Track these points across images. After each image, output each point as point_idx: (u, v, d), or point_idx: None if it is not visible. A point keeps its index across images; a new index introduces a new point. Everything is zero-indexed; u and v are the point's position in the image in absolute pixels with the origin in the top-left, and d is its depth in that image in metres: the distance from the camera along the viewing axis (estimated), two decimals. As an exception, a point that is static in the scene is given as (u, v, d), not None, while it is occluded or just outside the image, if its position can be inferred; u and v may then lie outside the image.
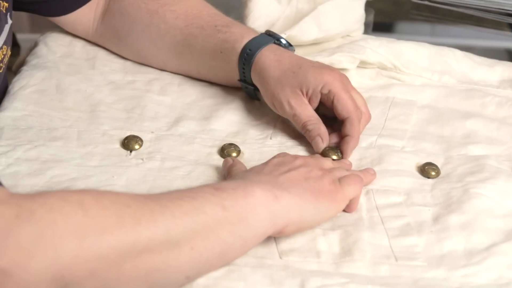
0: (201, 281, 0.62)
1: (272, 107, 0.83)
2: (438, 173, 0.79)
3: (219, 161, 0.79)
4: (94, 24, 0.94)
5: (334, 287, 0.63)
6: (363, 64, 0.94)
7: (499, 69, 0.96)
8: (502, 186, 0.76)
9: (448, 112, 0.88)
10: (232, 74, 0.86)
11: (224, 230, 0.61)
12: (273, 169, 0.70)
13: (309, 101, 0.81)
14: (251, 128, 0.84)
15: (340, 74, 0.82)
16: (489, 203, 0.74)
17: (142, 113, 0.85)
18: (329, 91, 0.80)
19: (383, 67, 0.94)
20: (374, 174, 0.77)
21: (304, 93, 0.81)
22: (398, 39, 1.02)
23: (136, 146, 0.79)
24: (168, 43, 0.89)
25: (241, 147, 0.80)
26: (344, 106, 0.80)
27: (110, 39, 0.94)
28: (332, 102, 0.80)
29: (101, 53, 0.95)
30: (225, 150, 0.79)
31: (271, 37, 0.86)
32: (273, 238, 0.68)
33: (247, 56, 0.84)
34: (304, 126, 0.80)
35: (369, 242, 0.69)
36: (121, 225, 0.56)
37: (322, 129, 0.80)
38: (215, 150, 0.80)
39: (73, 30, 0.96)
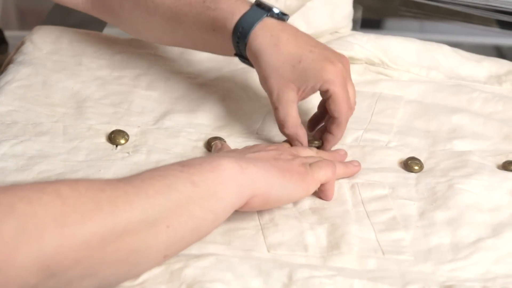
0: (189, 271, 0.63)
1: (263, 88, 0.82)
2: (421, 167, 0.79)
3: (204, 154, 0.80)
4: None
5: (322, 278, 0.63)
6: (351, 60, 0.94)
7: (487, 65, 0.98)
8: (487, 181, 0.77)
9: (435, 107, 0.90)
10: (229, 49, 0.84)
11: (195, 205, 0.62)
12: (243, 150, 0.73)
13: (302, 95, 0.80)
14: (237, 122, 0.85)
15: (341, 68, 0.79)
16: (474, 198, 0.75)
17: (129, 108, 0.86)
18: (327, 90, 0.79)
19: (371, 63, 0.96)
20: (358, 165, 0.78)
21: (300, 90, 0.80)
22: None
23: (122, 141, 0.80)
24: (160, 20, 0.87)
25: (227, 140, 0.81)
26: (338, 107, 0.79)
27: (104, 12, 0.93)
28: (328, 99, 0.79)
29: (88, 49, 0.96)
30: (211, 143, 0.80)
31: (262, 9, 0.81)
32: (260, 231, 0.69)
33: (240, 34, 0.81)
34: (282, 125, 0.80)
35: (357, 236, 0.69)
36: (99, 210, 0.58)
37: (300, 132, 0.80)
38: (201, 143, 0.81)
39: (62, 1, 0.93)
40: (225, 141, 0.80)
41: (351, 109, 0.80)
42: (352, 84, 0.82)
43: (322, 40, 1.00)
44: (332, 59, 0.80)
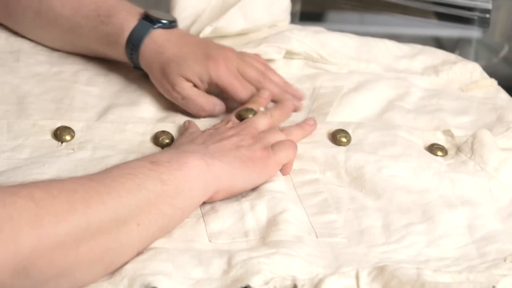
0: (129, 266, 0.66)
1: (165, 95, 0.90)
2: (349, 140, 0.85)
3: (151, 149, 0.83)
4: None
5: (260, 258, 0.67)
6: (290, 55, 1.00)
7: (422, 58, 1.04)
8: (415, 163, 0.82)
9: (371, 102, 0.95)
10: (126, 61, 0.92)
11: (164, 203, 0.67)
12: (206, 139, 0.77)
13: (196, 86, 0.88)
14: (179, 110, 0.90)
15: (224, 60, 0.88)
16: (402, 182, 0.80)
17: (71, 103, 0.89)
18: (217, 84, 0.88)
19: (310, 58, 1.00)
20: (314, 124, 0.86)
21: (191, 80, 0.88)
22: (327, 28, 1.07)
23: (68, 137, 0.83)
24: (59, 31, 0.95)
25: (173, 133, 0.85)
26: (235, 96, 0.88)
27: (8, 20, 0.99)
28: (225, 92, 0.88)
29: (26, 45, 0.99)
30: (159, 138, 0.84)
31: (150, 22, 0.90)
32: (202, 218, 0.73)
33: (131, 51, 0.90)
34: (199, 109, 0.88)
35: (293, 216, 0.73)
36: (73, 211, 0.61)
37: (217, 102, 0.88)
38: (147, 137, 0.85)
39: None
40: (172, 135, 0.85)
41: (250, 89, 0.89)
42: (255, 60, 0.92)
43: (261, 34, 1.05)
44: (215, 56, 0.88)
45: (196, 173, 0.70)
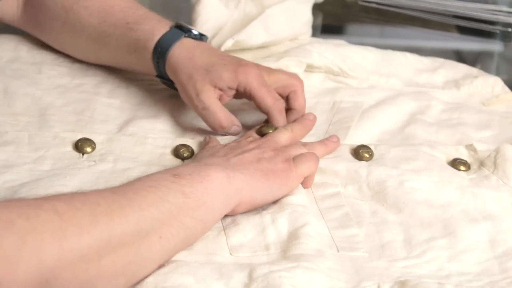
0: (150, 278, 0.66)
1: (186, 102, 0.89)
2: (371, 155, 0.85)
3: (171, 161, 0.84)
4: (18, 11, 0.99)
5: (281, 272, 0.67)
6: (310, 68, 1.00)
7: (443, 71, 1.04)
8: (437, 177, 0.82)
9: (392, 116, 0.95)
10: (150, 69, 0.92)
11: (186, 216, 0.68)
12: (227, 152, 0.78)
13: (221, 96, 0.88)
14: (198, 124, 0.90)
15: (255, 70, 0.88)
16: (424, 196, 0.80)
17: (93, 115, 0.90)
18: (245, 89, 0.87)
19: (330, 71, 1.01)
20: (337, 141, 0.85)
21: (217, 88, 0.87)
22: (348, 41, 1.08)
23: (89, 149, 0.83)
24: (85, 40, 0.95)
25: (193, 146, 0.86)
26: (261, 102, 0.87)
27: (35, 29, 1.00)
28: (252, 98, 0.88)
29: (48, 57, 1.00)
30: (180, 150, 0.85)
31: (181, 30, 0.90)
32: (223, 231, 0.73)
33: (159, 54, 0.90)
34: (217, 123, 0.87)
35: (315, 229, 0.73)
36: (96, 223, 0.61)
37: (234, 120, 0.87)
38: (168, 150, 0.85)
39: None
40: (192, 149, 0.85)
41: (277, 100, 0.88)
42: (275, 75, 0.90)
43: (282, 47, 1.05)
44: (246, 65, 0.88)
45: (218, 185, 0.71)
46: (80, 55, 0.99)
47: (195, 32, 0.91)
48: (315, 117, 0.89)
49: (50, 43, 1.00)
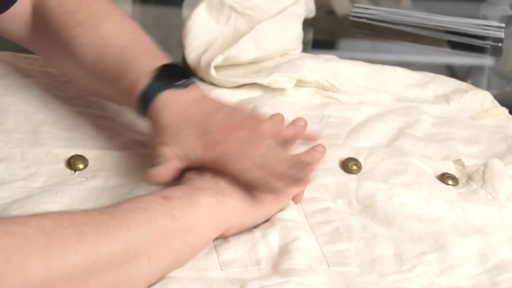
0: None
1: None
2: (359, 168, 0.86)
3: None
4: (26, 32, 0.96)
5: (272, 287, 0.67)
6: (300, 83, 1.01)
7: (433, 86, 1.05)
8: (426, 191, 0.83)
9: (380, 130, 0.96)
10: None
11: (175, 239, 0.68)
12: (216, 173, 0.76)
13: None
14: None
15: (240, 139, 0.77)
16: (414, 211, 0.81)
17: (85, 132, 0.90)
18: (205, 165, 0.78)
19: (320, 86, 1.02)
20: (323, 151, 0.83)
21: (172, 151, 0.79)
22: (339, 56, 1.09)
23: (81, 166, 0.84)
24: (84, 75, 0.91)
25: None
26: (247, 179, 0.76)
27: (42, 53, 0.98)
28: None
29: (38, 74, 1.01)
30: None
31: (165, 81, 0.82)
32: (214, 249, 0.74)
33: (142, 107, 0.82)
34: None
35: (305, 244, 0.74)
36: (83, 242, 0.62)
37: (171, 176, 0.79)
38: None
39: (5, 33, 0.96)
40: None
41: (264, 171, 0.76)
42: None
43: (273, 62, 1.06)
44: (213, 133, 0.77)
45: (207, 210, 0.71)
46: (81, 86, 0.96)
47: (177, 83, 0.82)
48: (305, 122, 0.86)
49: (56, 68, 0.99)
